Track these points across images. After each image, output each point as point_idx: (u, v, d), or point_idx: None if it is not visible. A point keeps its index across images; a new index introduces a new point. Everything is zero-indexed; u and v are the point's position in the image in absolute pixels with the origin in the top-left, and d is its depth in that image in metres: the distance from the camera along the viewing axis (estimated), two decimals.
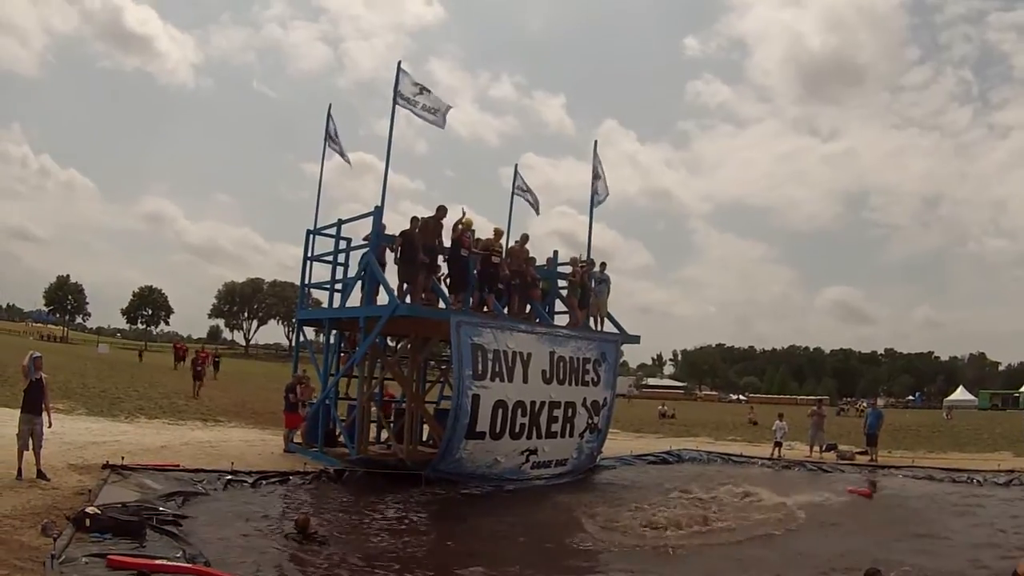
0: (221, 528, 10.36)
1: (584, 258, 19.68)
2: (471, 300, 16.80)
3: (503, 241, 17.86)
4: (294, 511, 11.72)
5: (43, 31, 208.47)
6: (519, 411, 15.75)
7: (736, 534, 12.23)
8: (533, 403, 16.05)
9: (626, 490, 16.55)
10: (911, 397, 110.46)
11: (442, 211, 16.64)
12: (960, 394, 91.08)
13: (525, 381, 15.90)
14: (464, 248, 16.31)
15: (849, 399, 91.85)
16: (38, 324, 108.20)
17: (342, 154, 19.39)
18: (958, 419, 49.52)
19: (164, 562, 8.04)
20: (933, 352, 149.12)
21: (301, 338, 20.83)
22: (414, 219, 16.31)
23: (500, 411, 15.39)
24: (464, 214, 16.76)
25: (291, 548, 9.77)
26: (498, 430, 15.43)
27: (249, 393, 33.26)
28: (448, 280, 16.73)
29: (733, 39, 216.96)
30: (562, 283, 19.46)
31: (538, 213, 20.82)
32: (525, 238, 18.27)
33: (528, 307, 18.02)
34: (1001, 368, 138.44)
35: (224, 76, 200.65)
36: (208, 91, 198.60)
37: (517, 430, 15.79)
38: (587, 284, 18.80)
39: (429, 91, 16.79)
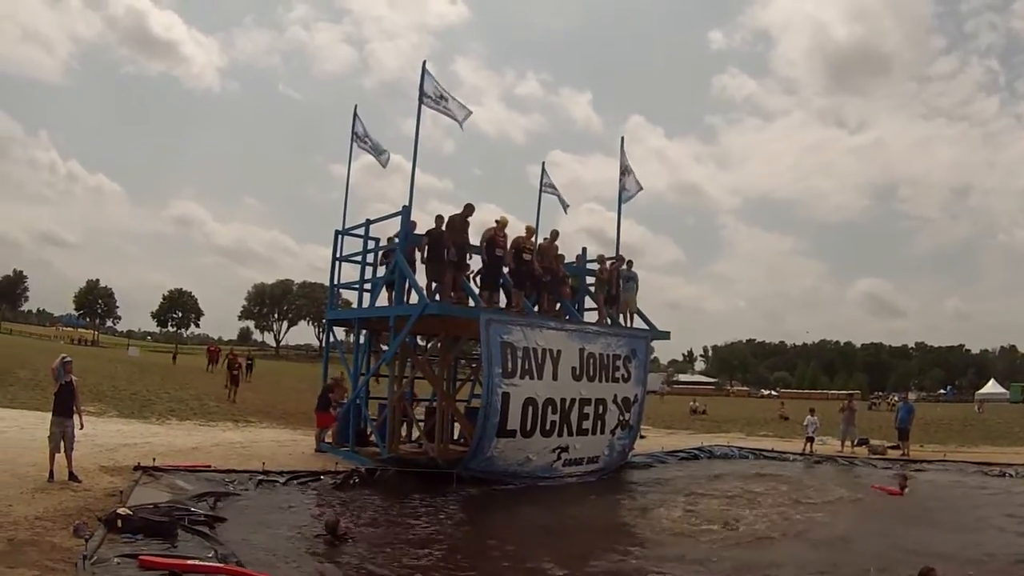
0: (253, 528, 10.34)
1: (612, 256, 19.57)
2: (509, 301, 16.75)
3: (533, 239, 17.70)
4: (326, 511, 11.70)
5: (68, 38, 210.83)
6: (549, 408, 15.65)
7: (774, 531, 12.09)
8: (563, 400, 15.95)
9: (660, 486, 16.42)
10: (943, 391, 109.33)
11: (469, 209, 16.52)
12: (991, 387, 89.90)
13: (555, 378, 15.80)
14: (499, 248, 16.23)
15: (880, 393, 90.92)
16: (68, 328, 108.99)
17: (375, 152, 19.15)
18: (989, 412, 49.00)
19: (196, 562, 8.04)
20: (964, 345, 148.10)
21: (331, 338, 20.84)
22: (439, 217, 16.26)
23: (530, 409, 15.29)
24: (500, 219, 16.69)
25: (321, 548, 9.74)
26: (529, 428, 15.34)
27: (280, 394, 33.41)
28: (480, 279, 16.68)
29: (757, 31, 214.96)
30: (590, 280, 19.38)
31: (566, 212, 20.68)
32: (555, 235, 18.18)
33: (558, 304, 17.94)
34: None
35: (249, 79, 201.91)
36: (234, 94, 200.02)
37: (548, 427, 15.69)
38: (615, 281, 18.69)
39: (448, 98, 16.73)
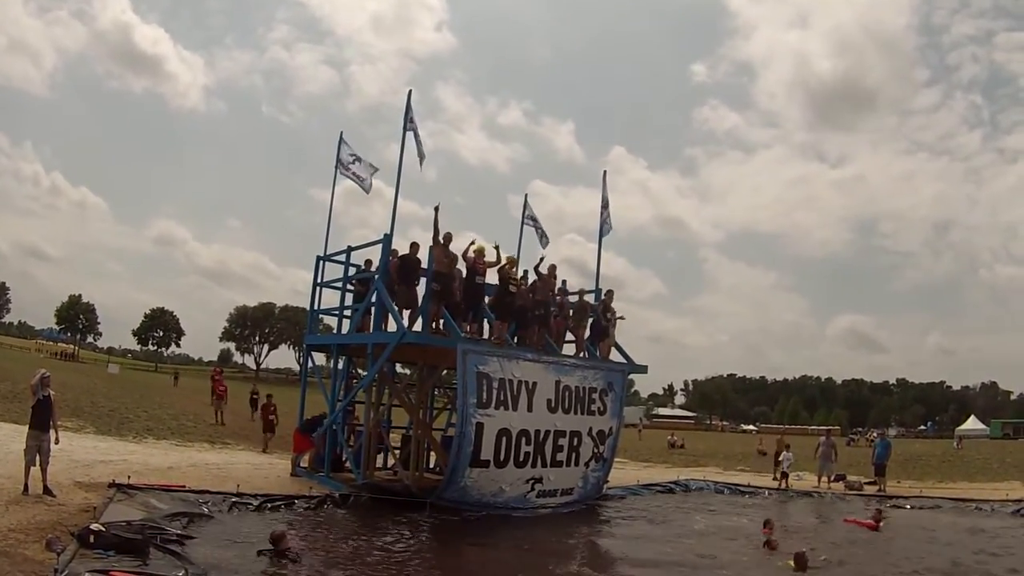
0: (223, 549, 10.42)
1: (590, 289, 19.72)
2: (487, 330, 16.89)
3: (515, 270, 17.76)
4: (277, 526, 11.64)
5: (54, 50, 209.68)
6: (523, 439, 15.78)
7: (744, 565, 12.21)
8: (538, 432, 16.08)
9: (632, 519, 16.56)
10: (923, 426, 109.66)
11: (448, 238, 16.55)
12: (972, 423, 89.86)
13: (530, 410, 15.94)
14: (479, 275, 16.38)
15: (860, 429, 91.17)
16: (49, 342, 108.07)
17: (358, 179, 19.14)
18: (969, 448, 49.06)
19: None
20: (944, 382, 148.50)
21: (310, 363, 20.72)
22: (414, 244, 16.62)
23: (504, 439, 15.43)
24: (473, 242, 16.78)
25: (262, 565, 9.81)
26: (502, 458, 15.47)
27: (259, 417, 33.20)
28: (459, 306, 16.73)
29: (739, 63, 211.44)
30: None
31: (544, 247, 20.85)
32: (552, 268, 18.27)
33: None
34: (1013, 397, 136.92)
35: (233, 99, 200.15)
36: (219, 113, 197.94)
37: (522, 459, 15.81)
38: (604, 315, 18.81)
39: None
